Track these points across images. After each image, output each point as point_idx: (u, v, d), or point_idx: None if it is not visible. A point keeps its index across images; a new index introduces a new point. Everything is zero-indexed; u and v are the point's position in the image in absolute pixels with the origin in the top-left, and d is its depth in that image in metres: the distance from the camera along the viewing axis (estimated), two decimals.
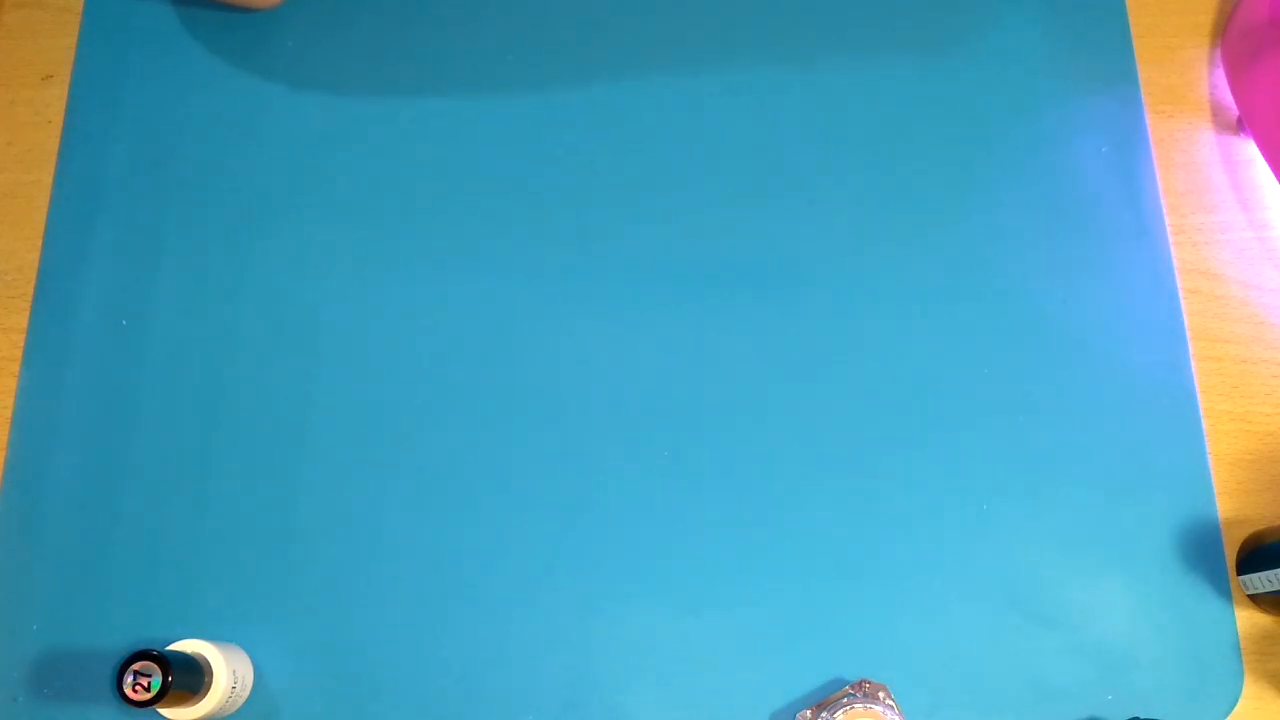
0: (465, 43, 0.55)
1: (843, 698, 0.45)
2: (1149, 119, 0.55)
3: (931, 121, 0.54)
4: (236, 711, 0.45)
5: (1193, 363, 0.51)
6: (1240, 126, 0.55)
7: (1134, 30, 0.56)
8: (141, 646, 0.42)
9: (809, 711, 0.45)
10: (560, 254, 0.52)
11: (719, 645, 0.47)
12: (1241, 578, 0.48)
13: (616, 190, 0.53)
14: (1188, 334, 0.51)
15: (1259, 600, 0.47)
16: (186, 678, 0.42)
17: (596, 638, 0.47)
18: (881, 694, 0.45)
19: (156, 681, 0.41)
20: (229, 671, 0.43)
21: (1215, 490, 0.49)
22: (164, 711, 0.43)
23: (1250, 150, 0.55)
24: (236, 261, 0.51)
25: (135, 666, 0.41)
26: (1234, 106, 0.55)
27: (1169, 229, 0.53)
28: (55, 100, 0.54)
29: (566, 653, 0.46)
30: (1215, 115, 0.56)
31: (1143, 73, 0.56)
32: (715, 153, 0.54)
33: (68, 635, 0.46)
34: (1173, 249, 0.53)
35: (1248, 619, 0.48)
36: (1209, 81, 0.56)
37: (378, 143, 0.53)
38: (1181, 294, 0.52)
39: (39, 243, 0.52)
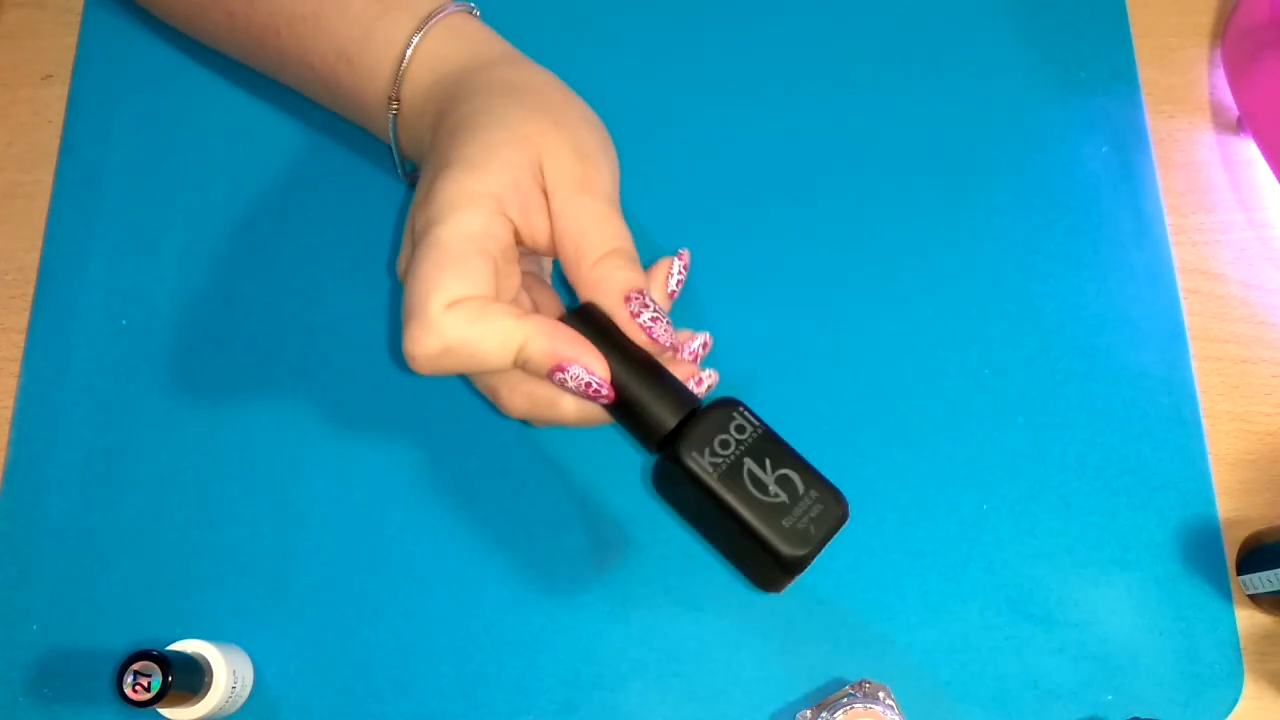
0: None
1: (843, 698, 0.45)
2: (1149, 119, 0.55)
3: (931, 122, 0.54)
4: (236, 711, 0.45)
5: (1193, 363, 0.51)
6: (1240, 126, 0.55)
7: (1134, 30, 0.56)
8: (141, 646, 0.42)
9: (809, 711, 0.45)
10: None
11: (719, 645, 0.47)
12: (1241, 578, 0.48)
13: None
14: (1188, 334, 0.51)
15: (1259, 600, 0.47)
16: (186, 678, 0.42)
17: (596, 638, 0.47)
18: (881, 694, 0.45)
19: (156, 681, 0.41)
20: (229, 671, 0.43)
21: (1215, 490, 0.49)
22: (164, 711, 0.43)
23: (1250, 150, 0.55)
24: (237, 261, 0.51)
25: (135, 666, 0.41)
26: (1234, 106, 0.55)
27: (1169, 229, 0.53)
28: (55, 100, 0.54)
29: (565, 653, 0.46)
30: (1215, 115, 0.56)
31: (1143, 73, 0.56)
32: (714, 151, 0.54)
33: (68, 635, 0.46)
34: (1173, 249, 0.53)
35: (1248, 619, 0.48)
36: (1209, 81, 0.56)
37: (380, 140, 0.53)
38: (1181, 294, 0.52)
39: (39, 243, 0.52)
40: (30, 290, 0.51)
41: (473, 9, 0.48)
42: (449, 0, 0.47)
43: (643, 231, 0.52)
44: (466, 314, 0.37)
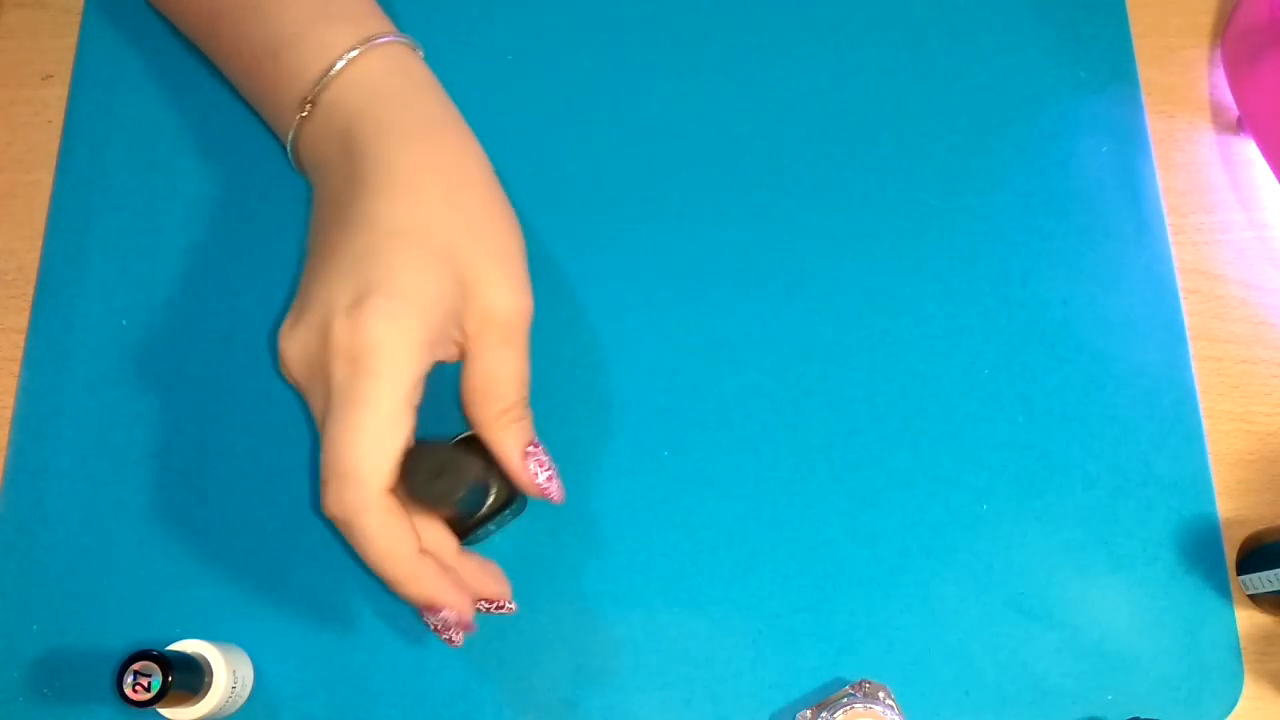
0: (470, 35, 0.55)
1: (843, 698, 0.45)
2: (1149, 119, 0.55)
3: (931, 121, 0.54)
4: (236, 711, 0.45)
5: (1193, 363, 0.51)
6: (1240, 126, 0.55)
7: (1134, 30, 0.56)
8: (141, 646, 0.42)
9: (809, 711, 0.45)
10: (555, 253, 0.52)
11: (719, 645, 0.47)
12: (1241, 578, 0.48)
13: (612, 192, 0.53)
14: (1188, 334, 0.51)
15: (1259, 600, 0.47)
16: (186, 678, 0.42)
17: (596, 638, 0.47)
18: (881, 694, 0.45)
19: (156, 681, 0.41)
20: (229, 671, 0.43)
21: (1215, 490, 0.49)
22: (164, 711, 0.43)
23: (1250, 150, 0.55)
24: (238, 260, 0.51)
25: (135, 666, 0.41)
26: (1234, 106, 0.55)
27: (1169, 229, 0.53)
28: (55, 100, 0.54)
29: (566, 652, 0.46)
30: (1215, 115, 0.56)
31: (1143, 73, 0.56)
32: (712, 150, 0.54)
33: (68, 635, 0.46)
34: (1173, 249, 0.53)
35: (1248, 619, 0.48)
36: (1209, 81, 0.56)
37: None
38: (1181, 294, 0.52)
39: (39, 243, 0.52)
40: (30, 290, 0.51)
41: (417, 47, 0.47)
42: (394, 29, 0.47)
43: (643, 229, 0.52)
44: (389, 513, 0.40)
